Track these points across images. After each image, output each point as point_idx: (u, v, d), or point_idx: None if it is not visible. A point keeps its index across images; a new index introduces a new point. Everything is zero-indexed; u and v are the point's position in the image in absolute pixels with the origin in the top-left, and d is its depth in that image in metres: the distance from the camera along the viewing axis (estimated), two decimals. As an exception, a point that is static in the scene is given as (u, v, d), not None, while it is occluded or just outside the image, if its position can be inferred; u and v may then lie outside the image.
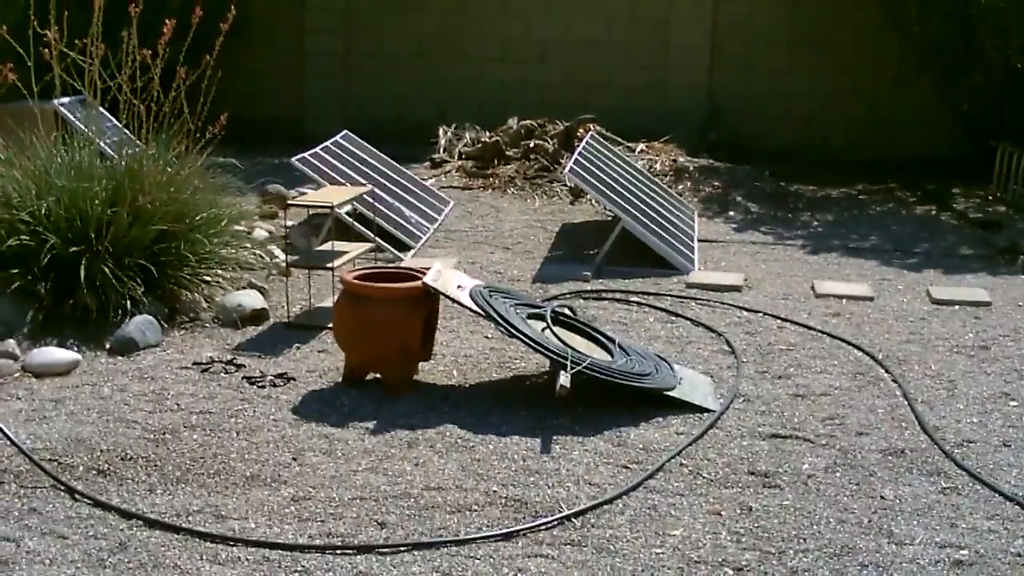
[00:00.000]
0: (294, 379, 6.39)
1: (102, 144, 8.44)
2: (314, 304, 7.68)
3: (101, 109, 8.37)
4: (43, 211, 7.24)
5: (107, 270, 7.11)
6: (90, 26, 7.51)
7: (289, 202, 8.09)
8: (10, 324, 6.95)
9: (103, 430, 5.63)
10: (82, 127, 9.41)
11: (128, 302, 7.13)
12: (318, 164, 9.78)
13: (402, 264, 7.92)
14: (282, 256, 8.52)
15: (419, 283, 6.24)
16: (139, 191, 7.40)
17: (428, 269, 6.41)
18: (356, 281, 6.34)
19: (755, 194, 11.82)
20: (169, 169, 7.75)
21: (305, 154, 9.77)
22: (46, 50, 7.53)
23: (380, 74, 14.98)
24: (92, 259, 7.14)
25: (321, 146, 10.23)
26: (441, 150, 13.02)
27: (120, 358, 6.71)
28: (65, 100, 9.64)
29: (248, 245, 8.49)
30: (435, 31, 14.88)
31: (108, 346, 6.86)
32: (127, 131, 7.99)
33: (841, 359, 6.95)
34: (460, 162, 12.63)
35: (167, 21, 7.55)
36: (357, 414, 5.87)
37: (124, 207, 7.29)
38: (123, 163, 7.72)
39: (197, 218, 7.70)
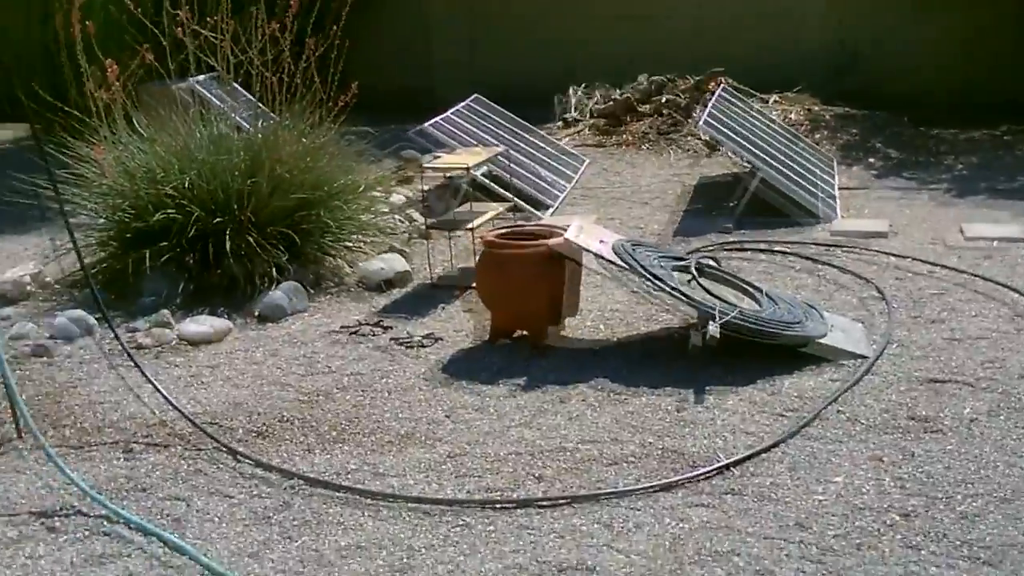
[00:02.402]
0: (441, 339, 6.41)
1: (237, 118, 8.55)
2: (456, 265, 7.70)
3: (234, 84, 8.47)
4: (186, 185, 7.36)
5: (251, 240, 7.21)
6: (220, 4, 7.60)
7: (425, 166, 8.09)
8: (164, 296, 7.11)
9: (258, 394, 5.72)
10: (217, 102, 9.55)
11: (273, 270, 7.23)
12: (451, 128, 9.79)
13: (541, 222, 7.88)
14: (421, 220, 8.55)
15: (561, 239, 6.20)
16: (276, 161, 7.49)
17: (569, 226, 6.37)
18: (499, 240, 6.33)
19: (894, 140, 11.55)
20: (304, 139, 7.82)
21: (437, 119, 9.78)
22: (179, 29, 7.65)
23: (507, 37, 14.92)
24: (236, 230, 7.24)
25: (452, 110, 10.24)
26: (572, 109, 12.95)
27: (269, 324, 6.81)
28: (200, 78, 9.78)
29: (386, 210, 8.55)
30: (560, -9, 14.76)
31: (257, 313, 6.96)
32: (261, 104, 8.07)
33: (996, 302, 6.75)
34: (592, 120, 12.55)
35: (294, -6, 7.64)
36: (507, 371, 5.87)
37: (263, 178, 7.38)
38: (259, 135, 7.80)
39: (335, 185, 7.76)
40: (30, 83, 8.38)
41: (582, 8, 14.69)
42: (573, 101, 13.06)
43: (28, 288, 7.57)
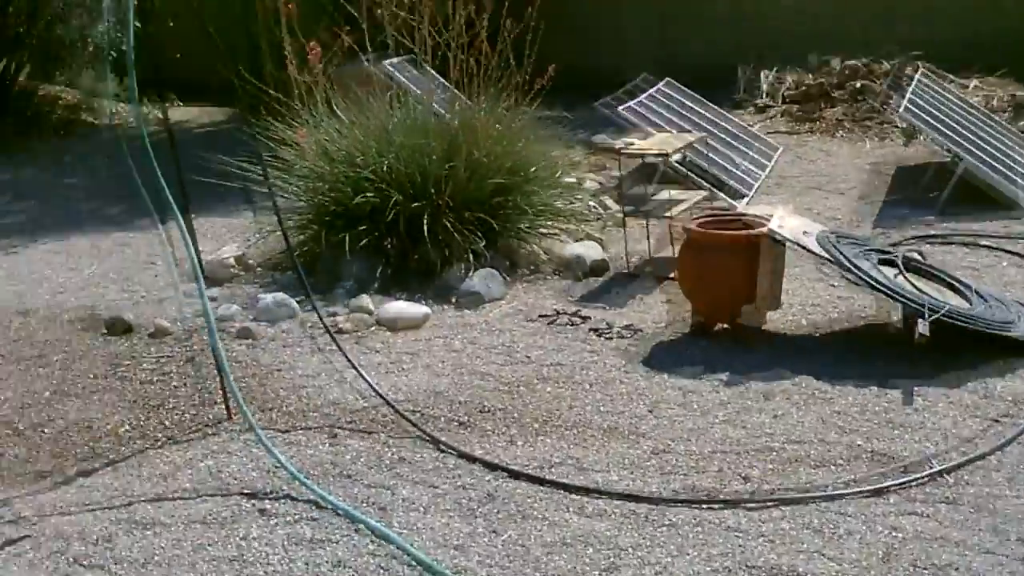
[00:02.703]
0: (641, 330, 6.36)
1: (432, 101, 8.60)
2: (653, 254, 7.62)
3: (426, 66, 8.54)
4: (385, 168, 7.43)
5: (448, 225, 7.25)
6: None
7: (623, 151, 8.03)
8: (362, 280, 7.21)
9: (459, 382, 5.75)
10: (412, 85, 9.63)
11: (470, 255, 7.26)
12: (644, 113, 9.71)
13: (741, 211, 7.75)
14: (615, 207, 8.50)
15: (764, 230, 6.09)
16: (474, 146, 7.51)
17: (769, 216, 6.24)
18: (701, 229, 6.24)
19: (1107, 127, 11.05)
20: (499, 124, 7.81)
21: (631, 103, 9.71)
22: (378, 11, 7.71)
23: (696, 19, 14.71)
24: (434, 214, 7.29)
25: (645, 95, 10.15)
26: (763, 95, 12.73)
27: (467, 311, 6.84)
28: (394, 60, 9.86)
29: (581, 196, 8.51)
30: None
31: (454, 300, 7.01)
32: (454, 88, 8.09)
33: None
34: (784, 106, 12.32)
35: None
36: (709, 365, 5.78)
37: (461, 162, 7.40)
38: (456, 119, 7.83)
39: (531, 170, 7.75)
40: (235, 66, 8.56)
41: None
42: (764, 86, 12.83)
43: (232, 270, 7.75)
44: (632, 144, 8.38)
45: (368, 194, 7.31)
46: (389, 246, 7.39)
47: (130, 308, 7.26)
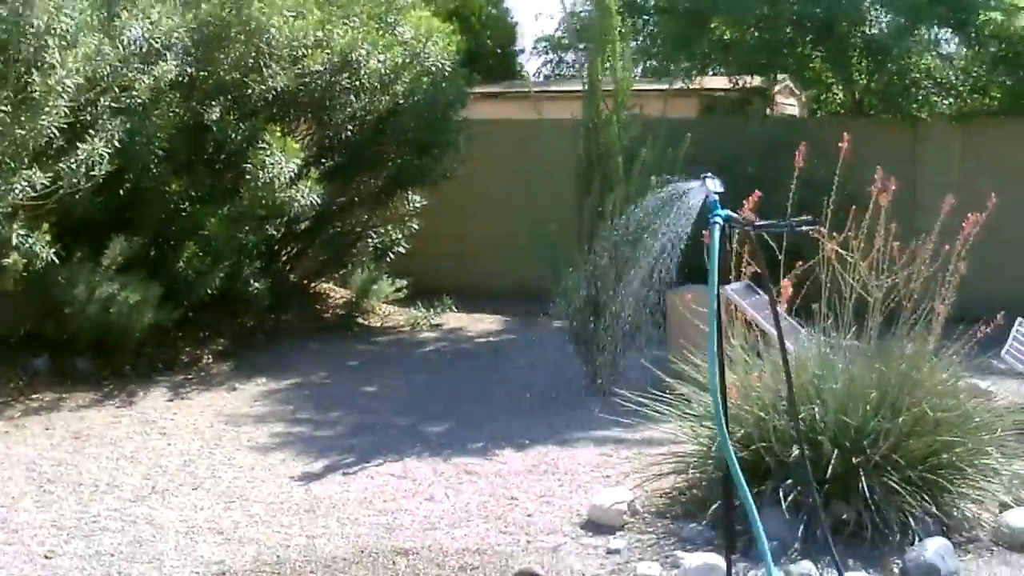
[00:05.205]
0: None
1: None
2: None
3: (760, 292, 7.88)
4: (814, 417, 6.71)
5: (893, 484, 6.47)
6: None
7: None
8: (784, 540, 6.42)
9: None
10: (755, 314, 8.98)
11: (911, 520, 6.44)
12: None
13: None
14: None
15: None
16: (914, 397, 6.75)
17: None
18: None
19: None
20: (941, 373, 7.05)
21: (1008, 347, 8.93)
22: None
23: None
24: (869, 471, 6.52)
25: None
26: None
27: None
28: (735, 285, 9.20)
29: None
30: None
31: (896, 570, 6.17)
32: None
33: None
34: None
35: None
36: None
37: (902, 415, 6.64)
38: (892, 364, 7.04)
39: (973, 424, 6.93)
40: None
41: None
42: None
43: (624, 516, 7.02)
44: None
45: (796, 446, 6.56)
46: (813, 502, 6.59)
47: (521, 555, 6.57)
